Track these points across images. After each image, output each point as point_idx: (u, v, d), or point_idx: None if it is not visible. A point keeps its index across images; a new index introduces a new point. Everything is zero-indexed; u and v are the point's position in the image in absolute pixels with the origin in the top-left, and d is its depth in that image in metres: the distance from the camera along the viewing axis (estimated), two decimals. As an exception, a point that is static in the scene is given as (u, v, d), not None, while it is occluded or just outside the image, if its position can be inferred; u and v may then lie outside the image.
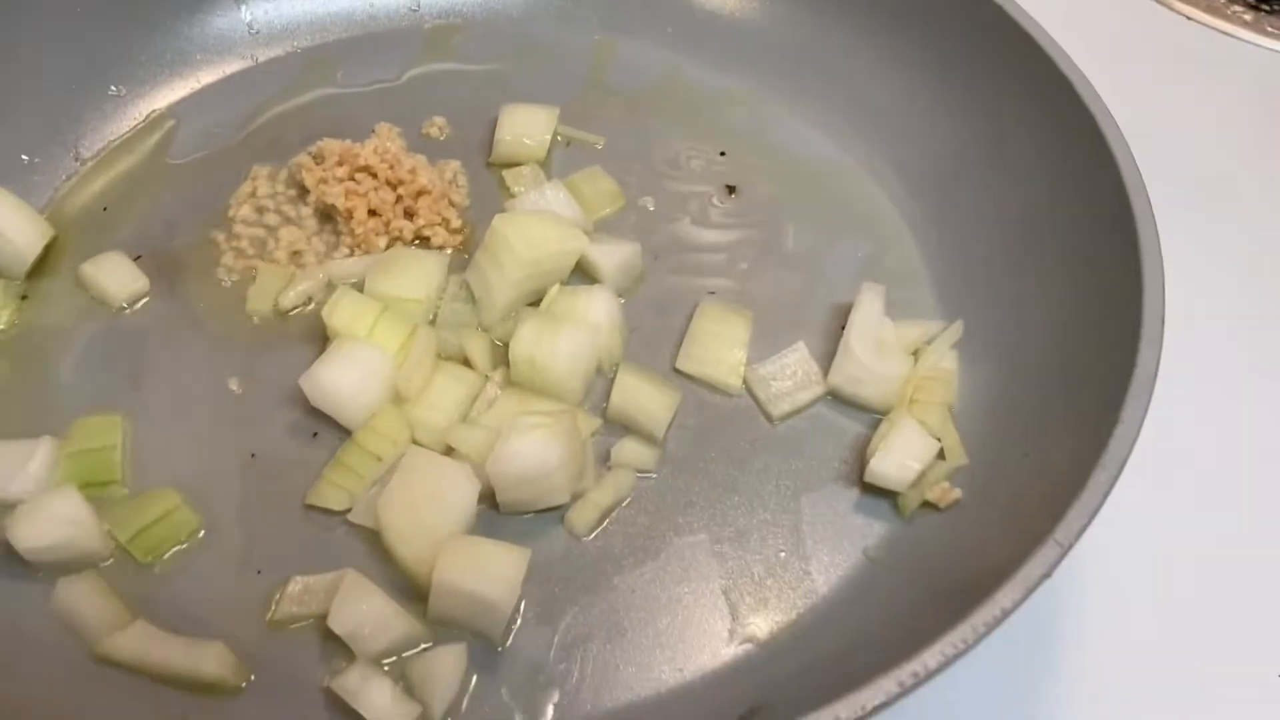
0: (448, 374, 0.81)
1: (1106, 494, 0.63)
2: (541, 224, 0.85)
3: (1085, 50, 0.84)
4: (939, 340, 0.83)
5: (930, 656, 0.57)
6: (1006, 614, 0.59)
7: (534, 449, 0.72)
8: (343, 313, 0.80)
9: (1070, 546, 0.61)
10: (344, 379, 0.77)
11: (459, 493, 0.73)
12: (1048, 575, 0.60)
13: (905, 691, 0.56)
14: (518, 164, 0.96)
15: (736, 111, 1.00)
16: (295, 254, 0.89)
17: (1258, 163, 1.07)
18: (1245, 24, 1.18)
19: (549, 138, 0.96)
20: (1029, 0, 0.88)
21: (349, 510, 0.75)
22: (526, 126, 0.97)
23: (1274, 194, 1.04)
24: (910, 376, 0.81)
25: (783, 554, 0.76)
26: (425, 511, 0.72)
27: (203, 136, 0.97)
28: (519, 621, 0.72)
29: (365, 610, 0.69)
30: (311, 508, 0.76)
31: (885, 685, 0.56)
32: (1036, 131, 0.85)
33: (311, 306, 0.86)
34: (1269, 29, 1.18)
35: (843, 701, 0.55)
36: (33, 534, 0.70)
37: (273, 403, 0.80)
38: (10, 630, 0.68)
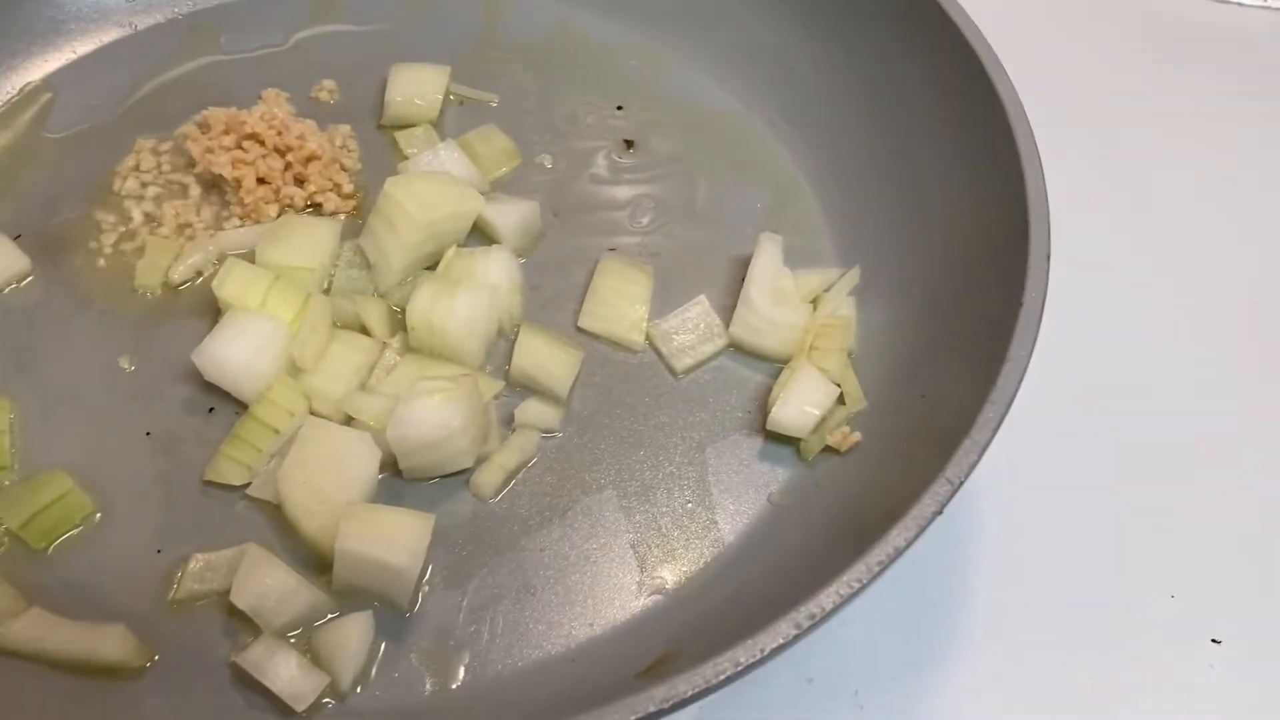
0: (344, 342, 0.80)
1: (995, 430, 0.64)
2: (436, 185, 0.84)
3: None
4: (836, 287, 0.83)
5: (826, 598, 0.58)
6: (900, 552, 0.60)
7: (435, 413, 0.72)
8: (233, 284, 0.78)
9: (961, 483, 0.62)
10: (237, 352, 0.76)
11: (359, 461, 0.72)
12: (939, 512, 0.61)
13: (804, 633, 0.57)
14: (410, 125, 0.94)
15: (631, 64, 0.99)
16: (183, 226, 0.86)
17: (1141, 89, 1.09)
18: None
19: (441, 97, 0.95)
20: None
21: (248, 485, 0.74)
22: (417, 86, 0.95)
23: (1158, 122, 1.07)
24: (809, 325, 0.82)
25: (689, 505, 0.76)
26: (326, 482, 0.71)
27: (82, 109, 0.94)
28: (426, 587, 0.72)
29: (268, 583, 0.68)
30: (210, 484, 0.74)
31: (783, 628, 0.57)
32: (925, 78, 0.85)
33: (202, 279, 0.84)
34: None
35: (741, 646, 0.56)
36: (-83, 525, 0.68)
37: (166, 379, 0.79)
38: (-102, 625, 0.66)
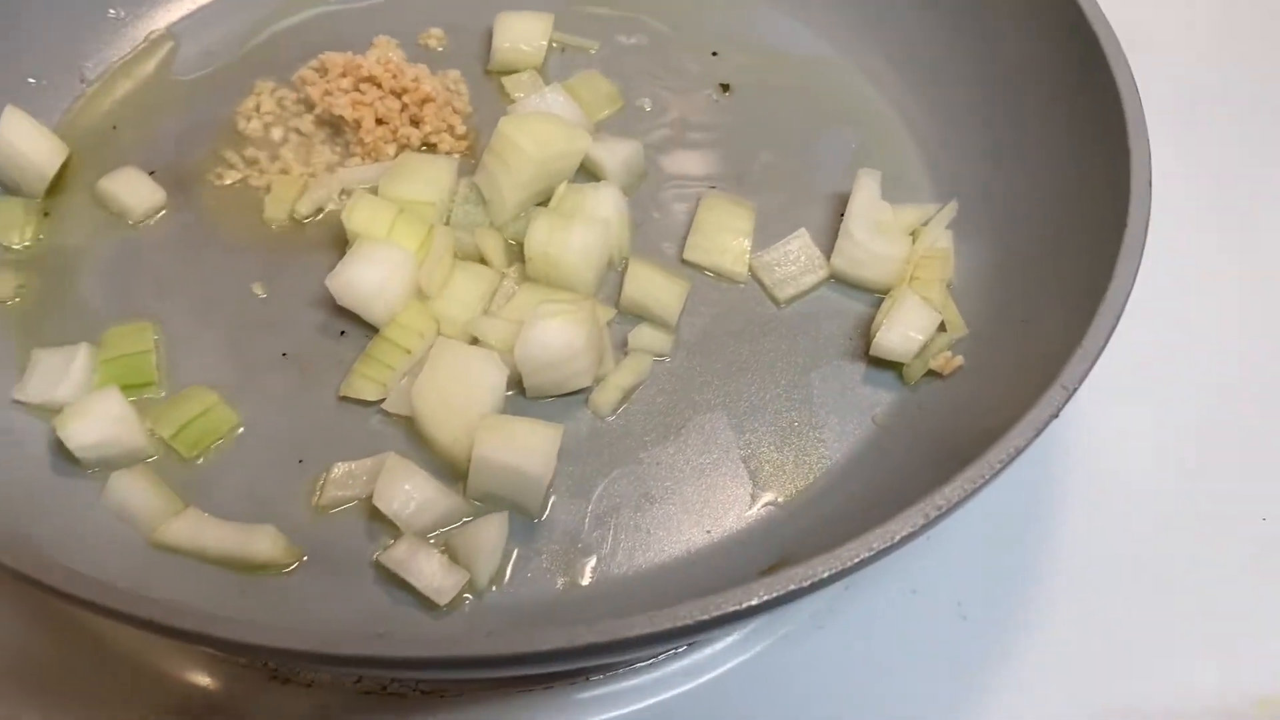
0: (466, 271, 0.84)
1: (1107, 338, 0.67)
2: (547, 124, 0.87)
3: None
4: (934, 220, 0.86)
5: (953, 490, 0.61)
6: (1019, 451, 0.63)
7: (559, 333, 0.76)
8: (361, 214, 0.82)
9: (1074, 390, 0.65)
10: (369, 277, 0.80)
11: (488, 377, 0.76)
12: (1054, 416, 0.65)
13: (931, 522, 0.61)
14: (515, 71, 0.98)
15: (727, 12, 1.02)
16: (307, 163, 0.91)
17: (1242, 37, 1.11)
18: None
19: (545, 44, 0.99)
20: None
21: (382, 400, 0.78)
22: (522, 33, 0.99)
23: (1257, 65, 1.09)
24: (909, 256, 0.85)
25: (797, 424, 0.80)
26: (458, 397, 0.75)
27: (204, 55, 0.98)
28: (553, 496, 0.75)
29: (408, 488, 0.72)
30: (345, 400, 0.79)
31: (913, 516, 0.60)
32: (1025, 17, 0.87)
33: (325, 214, 0.88)
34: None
35: (874, 532, 0.60)
36: (83, 432, 0.73)
37: (298, 305, 0.83)
38: (69, 521, 0.71)
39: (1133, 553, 0.81)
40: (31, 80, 0.92)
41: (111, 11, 0.97)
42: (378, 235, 0.82)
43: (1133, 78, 0.78)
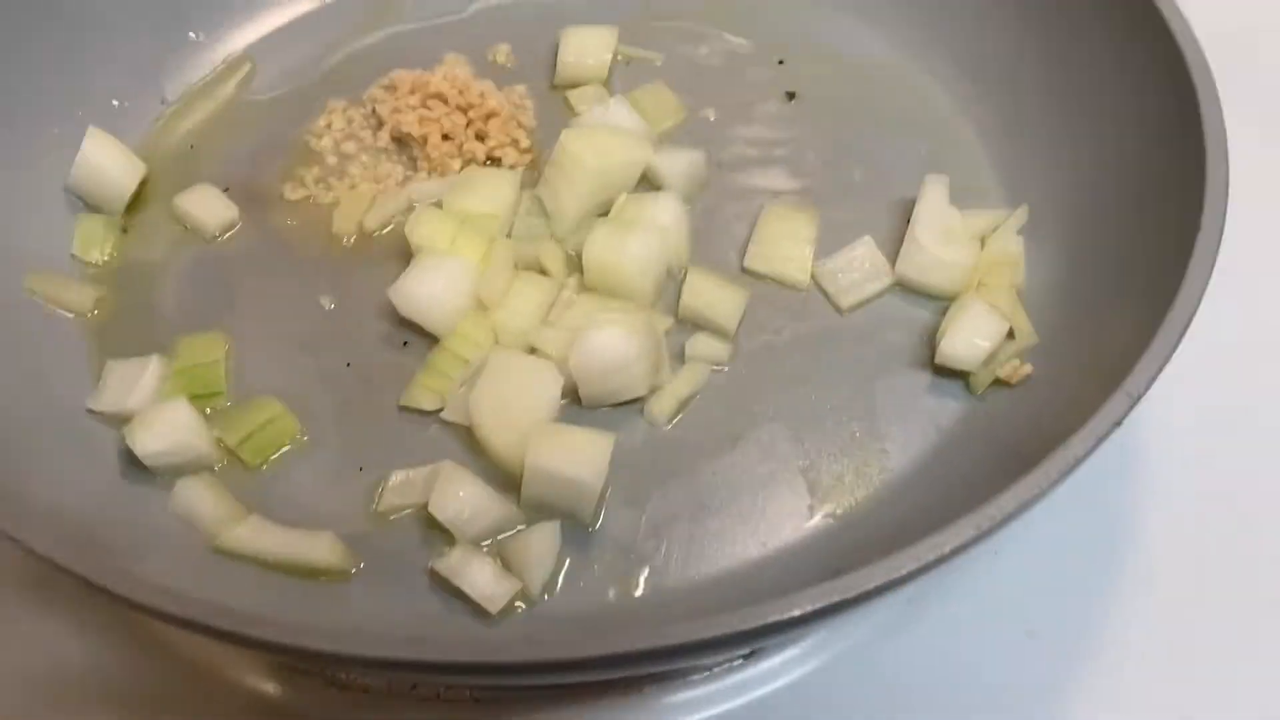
0: (526, 281, 0.84)
1: (1174, 348, 0.64)
2: (607, 136, 0.88)
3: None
4: (1004, 226, 0.84)
5: (1006, 501, 0.59)
6: (1079, 460, 0.61)
7: (614, 341, 0.76)
8: (424, 228, 0.83)
9: (1139, 397, 0.63)
10: (430, 288, 0.81)
11: (544, 386, 0.76)
12: (1118, 423, 0.62)
13: (983, 534, 0.59)
14: (581, 84, 0.98)
15: (792, 20, 1.01)
16: (375, 179, 0.92)
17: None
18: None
19: (609, 57, 0.99)
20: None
21: (441, 410, 0.79)
22: (588, 48, 0.99)
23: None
24: (977, 262, 0.83)
25: (858, 435, 0.78)
26: (514, 406, 0.76)
27: (279, 76, 1.00)
28: (606, 505, 0.75)
29: (463, 496, 0.73)
30: (405, 410, 0.79)
31: (964, 529, 0.58)
32: (1099, 19, 0.85)
33: (392, 227, 0.90)
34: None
35: (924, 543, 0.58)
36: (150, 440, 0.75)
37: (363, 316, 0.84)
38: (136, 528, 0.73)
39: (1210, 570, 0.77)
40: (115, 102, 0.95)
41: (192, 35, 1.00)
42: (440, 247, 0.83)
43: (1213, 83, 0.75)
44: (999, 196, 0.88)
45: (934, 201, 0.85)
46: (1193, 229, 0.69)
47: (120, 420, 0.78)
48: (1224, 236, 0.69)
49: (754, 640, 0.61)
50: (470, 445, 0.78)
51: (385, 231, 0.90)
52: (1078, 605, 0.76)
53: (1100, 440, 0.62)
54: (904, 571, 0.57)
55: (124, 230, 0.90)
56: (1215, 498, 0.80)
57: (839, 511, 0.75)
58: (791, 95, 0.97)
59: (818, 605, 0.57)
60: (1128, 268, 0.76)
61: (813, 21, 1.01)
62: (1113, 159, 0.82)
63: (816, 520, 0.75)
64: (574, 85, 0.98)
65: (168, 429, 0.75)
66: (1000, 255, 0.83)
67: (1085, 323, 0.77)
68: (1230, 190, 0.71)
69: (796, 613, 0.57)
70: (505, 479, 0.76)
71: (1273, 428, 0.83)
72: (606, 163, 0.85)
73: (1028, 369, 0.77)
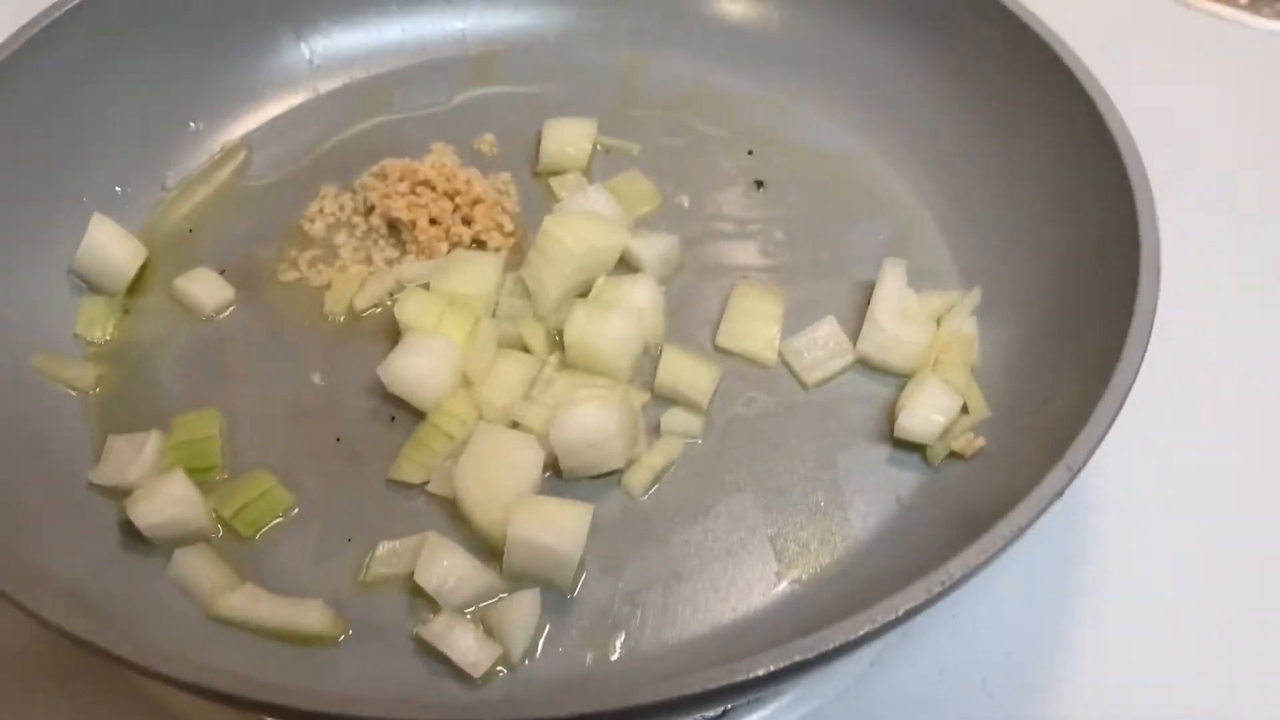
0: (509, 359, 0.88)
1: (1111, 420, 0.69)
2: (587, 222, 0.93)
3: (1084, 38, 0.91)
4: (959, 307, 0.90)
5: (955, 567, 0.64)
6: (1022, 530, 0.66)
7: (593, 416, 0.80)
8: (412, 308, 0.88)
9: (1078, 469, 0.68)
10: (417, 366, 0.85)
11: (526, 460, 0.80)
12: (1059, 494, 0.67)
13: (934, 598, 0.63)
14: (562, 172, 1.04)
15: (761, 113, 1.07)
16: (365, 262, 0.97)
17: (1255, 138, 1.14)
18: (1241, 7, 1.25)
19: (589, 147, 1.05)
20: (1027, -7, 0.96)
21: (426, 483, 0.83)
22: (568, 138, 1.05)
23: (1269, 164, 1.11)
24: (933, 341, 0.88)
25: (822, 504, 0.83)
26: (497, 478, 0.80)
27: (275, 163, 1.06)
28: (585, 573, 0.79)
29: (447, 566, 0.77)
30: (392, 482, 0.83)
31: (916, 591, 0.63)
32: (1043, 116, 0.92)
33: (382, 308, 0.94)
34: (1264, 11, 1.24)
35: (879, 606, 0.62)
36: (150, 512, 0.78)
37: (353, 393, 0.89)
38: (134, 596, 0.76)
39: (1157, 626, 0.81)
40: (118, 189, 1.00)
41: (192, 125, 1.06)
42: (427, 327, 0.87)
43: (1144, 172, 0.82)
44: (954, 279, 0.94)
45: (892, 284, 0.90)
46: (1128, 309, 0.75)
47: (120, 493, 0.81)
48: (1160, 314, 0.75)
49: (722, 699, 0.65)
50: (454, 516, 0.81)
51: (374, 311, 0.94)
52: (1032, 660, 0.80)
53: (1042, 510, 0.66)
54: (862, 632, 0.61)
55: (125, 311, 0.94)
56: (1162, 551, 0.85)
57: (804, 578, 0.79)
58: (760, 183, 1.03)
59: (781, 665, 0.61)
60: (1071, 347, 0.81)
61: (779, 116, 1.07)
62: (1057, 245, 0.88)
63: (784, 586, 0.79)
64: (555, 173, 1.04)
65: (167, 502, 0.79)
66: (955, 335, 0.88)
67: (1033, 398, 0.82)
68: (1162, 274, 0.77)
69: (761, 672, 0.61)
70: (488, 548, 0.79)
71: (1213, 484, 0.88)
72: (587, 247, 0.91)
73: (980, 442, 0.82)
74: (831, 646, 0.61)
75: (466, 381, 0.86)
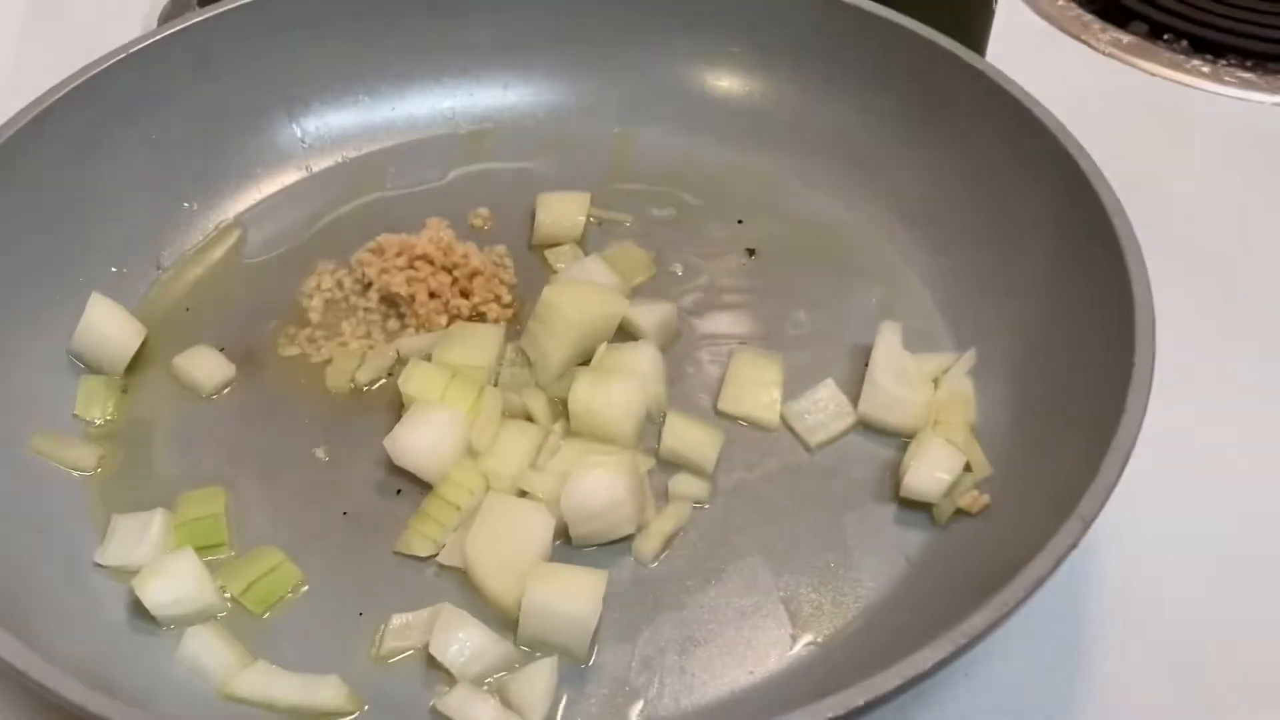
0: (514, 429, 0.89)
1: (1121, 471, 0.71)
2: (586, 291, 0.94)
3: (1060, 110, 0.95)
4: (955, 368, 0.91)
5: (980, 619, 0.64)
6: (1040, 582, 0.66)
7: (602, 483, 0.81)
8: (417, 380, 0.89)
9: (1092, 520, 0.69)
10: (424, 438, 0.85)
11: (537, 528, 0.81)
12: (1074, 545, 0.68)
13: (960, 650, 0.64)
14: (557, 244, 1.05)
15: (750, 184, 1.10)
16: (365, 336, 0.98)
17: (1226, 199, 1.18)
18: (1204, 75, 1.30)
19: (583, 219, 1.07)
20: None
21: (435, 555, 0.83)
22: (562, 211, 1.06)
23: (1241, 225, 1.15)
24: (932, 401, 0.90)
25: (832, 564, 0.83)
26: (507, 548, 0.80)
27: (270, 241, 1.06)
28: (599, 641, 0.79)
29: (462, 637, 0.76)
30: (401, 555, 0.83)
31: (944, 645, 0.63)
32: (1027, 177, 0.95)
33: (383, 381, 0.95)
34: (1226, 78, 1.29)
35: (907, 660, 0.63)
36: (159, 591, 0.78)
37: (358, 466, 0.89)
38: (144, 677, 0.75)
39: (1172, 679, 0.82)
40: (114, 269, 1.00)
41: (186, 204, 1.06)
42: (432, 398, 0.88)
43: (1131, 228, 0.84)
44: (948, 340, 0.96)
45: (889, 346, 0.92)
46: (1127, 364, 0.77)
47: (126, 573, 0.80)
48: (1156, 367, 0.77)
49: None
50: (466, 586, 0.81)
51: (377, 386, 0.95)
52: (1052, 712, 0.80)
53: (1059, 561, 0.67)
54: (891, 687, 0.62)
55: (124, 390, 0.94)
56: (1174, 605, 0.86)
57: (819, 639, 0.79)
58: (752, 251, 1.05)
59: (812, 724, 0.61)
60: (1071, 401, 0.82)
61: (767, 186, 1.10)
62: (1049, 304, 0.90)
63: (799, 648, 0.79)
64: (551, 245, 1.05)
65: (176, 580, 0.78)
66: (952, 395, 0.90)
67: (1037, 454, 0.83)
68: (1156, 327, 0.79)
69: (794, 733, 0.61)
70: (501, 618, 0.79)
71: (1220, 538, 0.90)
72: (587, 315, 0.92)
73: (986, 499, 0.83)
74: (862, 702, 0.61)
75: (472, 451, 0.87)
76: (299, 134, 1.13)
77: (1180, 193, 1.18)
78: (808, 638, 0.79)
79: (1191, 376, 0.96)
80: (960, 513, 0.84)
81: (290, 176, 1.12)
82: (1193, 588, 0.87)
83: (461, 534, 0.82)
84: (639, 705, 0.76)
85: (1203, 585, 0.87)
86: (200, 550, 0.82)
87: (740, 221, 1.07)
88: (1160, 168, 1.20)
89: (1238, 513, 0.92)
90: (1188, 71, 1.30)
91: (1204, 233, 1.14)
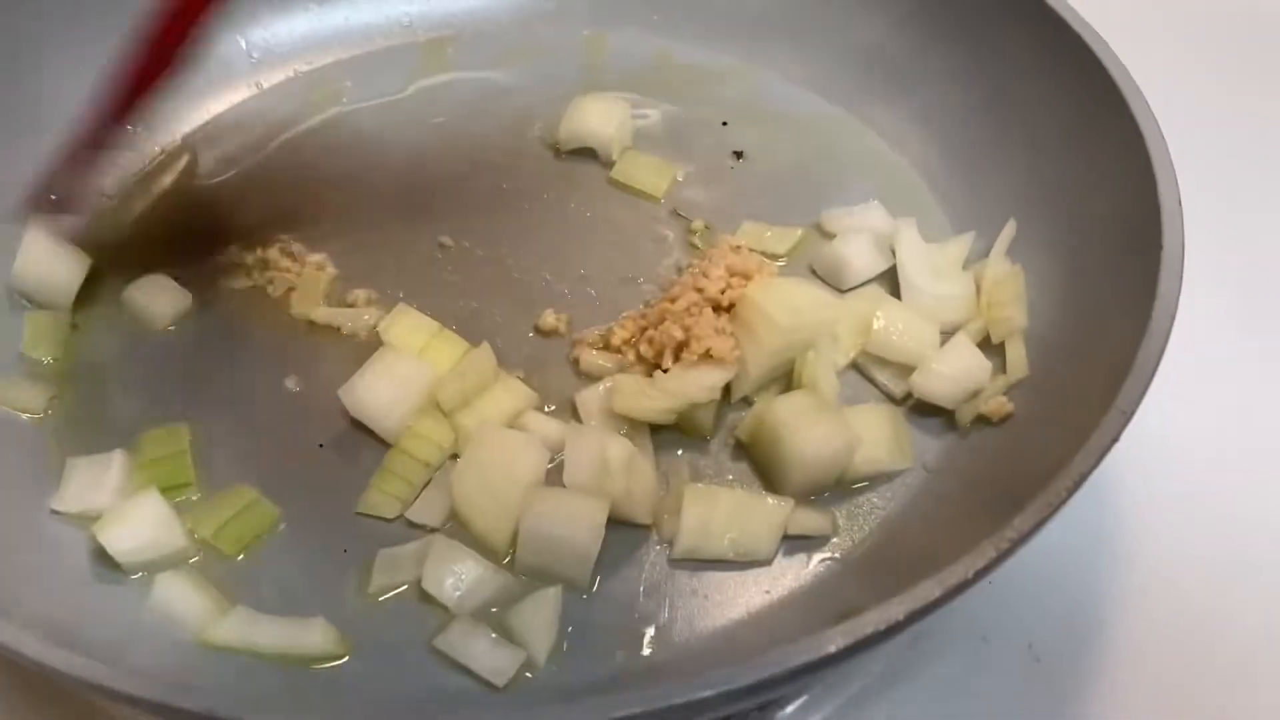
0: (502, 387, 0.81)
1: (1156, 364, 0.66)
2: (798, 292, 0.82)
3: None
4: (996, 245, 0.86)
5: (1023, 520, 0.60)
6: (1084, 477, 0.62)
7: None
8: (399, 328, 0.83)
9: (1132, 413, 0.64)
10: (382, 392, 0.79)
11: (529, 461, 0.75)
12: (1115, 440, 0.64)
13: (1002, 555, 0.59)
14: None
15: (731, 82, 1.04)
16: (321, 265, 0.91)
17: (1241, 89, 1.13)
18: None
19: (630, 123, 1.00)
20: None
21: (400, 516, 0.76)
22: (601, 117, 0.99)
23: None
24: (974, 290, 0.85)
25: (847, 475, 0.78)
26: (498, 481, 0.74)
27: (222, 163, 0.99)
28: (602, 568, 0.74)
29: (457, 570, 0.71)
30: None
31: (986, 549, 0.59)
32: (1030, 55, 0.89)
33: (356, 308, 0.88)
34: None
35: (949, 569, 0.58)
36: (122, 537, 0.72)
37: (332, 395, 0.82)
38: (114, 627, 0.69)
39: (1201, 580, 0.79)
40: (55, 197, 0.92)
41: (128, 127, 0.98)
42: (410, 351, 0.81)
43: (1148, 106, 0.79)
44: (949, 232, 0.91)
45: (911, 244, 0.87)
46: (1155, 246, 0.72)
47: (88, 519, 0.74)
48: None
49: (778, 687, 0.60)
50: (452, 523, 0.76)
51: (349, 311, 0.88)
52: (1078, 621, 0.77)
53: (1100, 457, 0.63)
54: (931, 598, 0.57)
55: (74, 326, 0.87)
56: (1201, 501, 0.83)
57: (838, 555, 0.75)
58: (739, 154, 0.99)
59: (846, 643, 0.57)
60: (1098, 299, 0.78)
61: (749, 84, 1.04)
62: (1064, 192, 0.85)
63: (816, 565, 0.74)
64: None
65: (141, 524, 0.72)
66: (999, 276, 0.84)
67: (1064, 360, 0.78)
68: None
69: (826, 652, 0.57)
70: (490, 555, 0.74)
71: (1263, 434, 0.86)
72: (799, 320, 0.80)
73: (1010, 406, 0.78)
74: (902, 615, 0.57)
75: (438, 409, 0.79)
76: (245, 46, 1.05)
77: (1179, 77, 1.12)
78: (824, 554, 0.75)
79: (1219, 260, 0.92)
80: (981, 419, 0.79)
81: (239, 94, 1.04)
82: (1242, 492, 0.83)
83: (433, 489, 0.77)
84: (650, 631, 0.71)
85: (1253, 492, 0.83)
86: (166, 492, 0.76)
87: (725, 124, 1.01)
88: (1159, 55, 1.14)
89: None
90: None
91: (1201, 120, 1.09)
